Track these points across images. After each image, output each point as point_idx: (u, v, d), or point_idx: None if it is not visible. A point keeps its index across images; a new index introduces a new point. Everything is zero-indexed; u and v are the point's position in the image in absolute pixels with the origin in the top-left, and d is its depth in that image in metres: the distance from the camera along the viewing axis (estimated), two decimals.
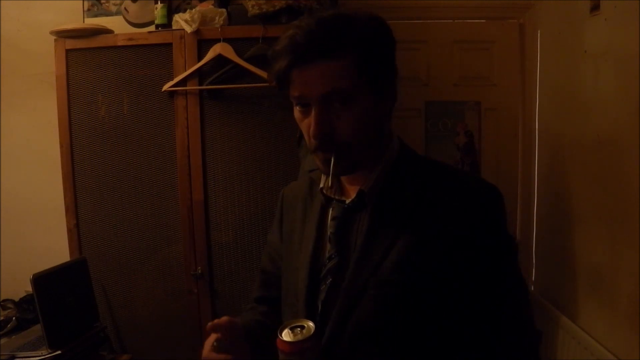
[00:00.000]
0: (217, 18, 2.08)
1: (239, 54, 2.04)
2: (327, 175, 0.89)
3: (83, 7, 2.35)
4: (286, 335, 0.83)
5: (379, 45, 0.86)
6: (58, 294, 1.88)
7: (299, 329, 0.84)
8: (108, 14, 2.35)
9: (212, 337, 0.89)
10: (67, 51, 2.13)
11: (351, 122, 0.85)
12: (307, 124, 0.88)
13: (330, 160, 0.87)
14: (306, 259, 0.96)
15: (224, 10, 2.11)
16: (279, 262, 1.07)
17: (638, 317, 1.71)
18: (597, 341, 1.95)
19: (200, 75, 2.08)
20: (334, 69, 0.83)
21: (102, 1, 2.35)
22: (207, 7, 2.12)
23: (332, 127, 0.86)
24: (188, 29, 2.05)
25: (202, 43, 2.08)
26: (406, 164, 0.94)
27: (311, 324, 0.84)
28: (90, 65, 2.14)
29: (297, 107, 0.90)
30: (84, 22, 2.33)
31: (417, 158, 0.97)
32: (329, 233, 0.96)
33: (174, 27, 2.11)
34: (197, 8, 2.10)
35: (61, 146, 2.16)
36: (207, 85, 2.08)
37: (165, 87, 2.08)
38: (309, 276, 0.95)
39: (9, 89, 2.48)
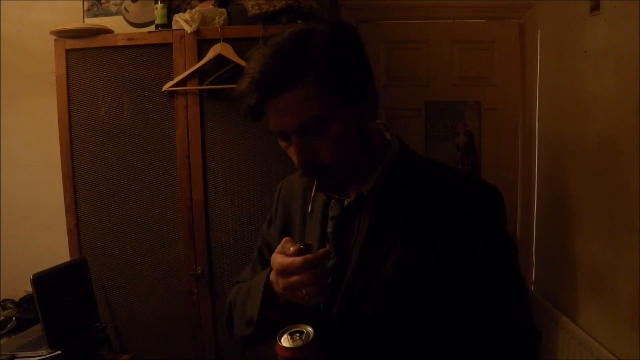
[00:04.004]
0: (217, 18, 2.08)
1: (239, 54, 2.04)
2: (316, 191, 0.90)
3: (83, 7, 2.36)
4: (286, 341, 0.82)
5: (341, 58, 0.83)
6: (58, 294, 1.88)
7: (297, 334, 0.83)
8: (108, 14, 2.35)
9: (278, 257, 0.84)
10: (67, 51, 2.13)
11: (332, 144, 0.85)
12: (292, 152, 0.87)
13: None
14: None
15: (224, 10, 2.11)
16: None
17: (638, 317, 1.71)
18: (597, 341, 1.95)
19: (200, 75, 2.08)
20: (299, 99, 0.81)
21: (102, 1, 2.35)
22: (207, 7, 2.12)
23: (314, 153, 0.85)
24: (188, 29, 2.05)
25: (202, 43, 2.08)
26: (406, 165, 0.94)
27: (310, 328, 0.83)
28: (90, 65, 2.14)
29: (279, 140, 0.89)
30: (84, 22, 2.33)
31: (417, 158, 0.97)
32: (328, 232, 0.96)
33: (174, 27, 2.11)
34: (197, 8, 2.10)
35: (61, 146, 2.16)
36: (207, 85, 2.07)
37: (165, 87, 2.08)
38: None
39: (9, 89, 2.48)
